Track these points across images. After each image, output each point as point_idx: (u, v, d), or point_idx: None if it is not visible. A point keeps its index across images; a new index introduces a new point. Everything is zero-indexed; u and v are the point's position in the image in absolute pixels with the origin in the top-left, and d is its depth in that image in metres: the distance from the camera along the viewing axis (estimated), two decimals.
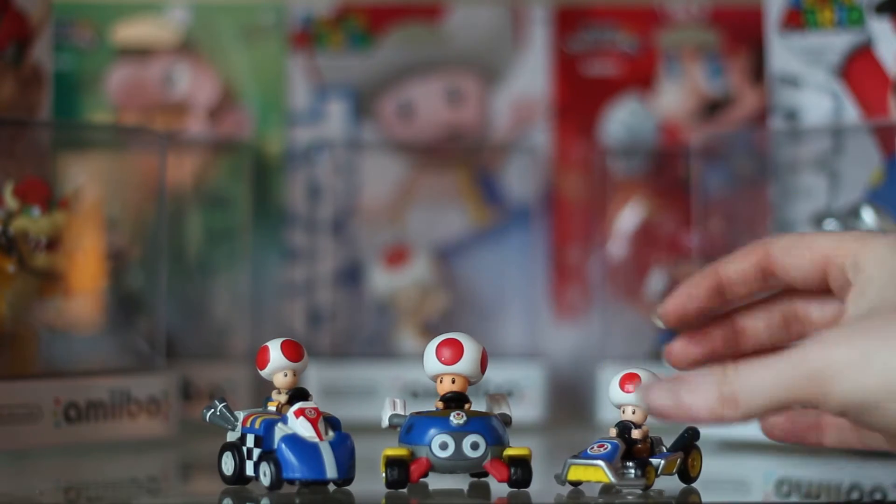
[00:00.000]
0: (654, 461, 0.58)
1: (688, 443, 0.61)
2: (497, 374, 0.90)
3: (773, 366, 0.52)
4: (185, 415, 0.86)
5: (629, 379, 0.59)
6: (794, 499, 0.62)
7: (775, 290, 0.58)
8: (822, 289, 0.57)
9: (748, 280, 0.57)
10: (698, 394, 0.53)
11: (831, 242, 0.56)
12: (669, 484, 0.60)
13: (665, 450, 0.60)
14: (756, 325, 0.58)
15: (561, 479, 0.58)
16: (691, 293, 0.58)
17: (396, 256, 0.99)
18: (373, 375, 0.92)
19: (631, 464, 0.58)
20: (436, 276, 0.99)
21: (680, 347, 0.59)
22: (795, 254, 0.56)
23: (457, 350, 0.59)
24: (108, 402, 0.78)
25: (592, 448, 0.58)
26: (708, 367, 0.54)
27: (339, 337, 1.01)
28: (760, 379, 0.52)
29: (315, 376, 0.92)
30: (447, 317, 1.00)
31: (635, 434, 0.59)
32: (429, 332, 0.99)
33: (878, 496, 0.61)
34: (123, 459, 0.76)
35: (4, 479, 0.69)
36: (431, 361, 0.59)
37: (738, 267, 0.57)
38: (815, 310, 0.58)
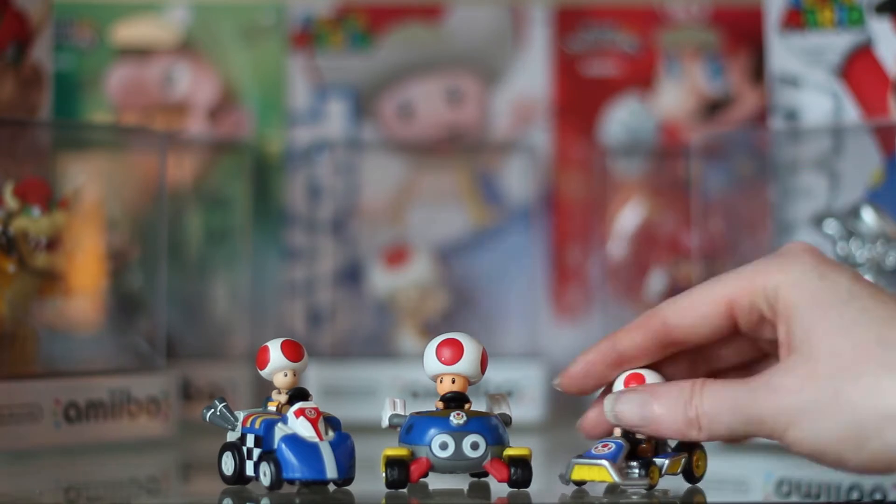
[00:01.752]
0: (658, 461, 0.58)
1: (692, 442, 0.61)
2: (497, 374, 0.90)
3: (735, 398, 0.52)
4: (185, 415, 0.86)
5: (634, 379, 0.59)
6: (794, 499, 0.62)
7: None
8: (730, 336, 0.56)
9: (648, 352, 0.57)
10: (666, 410, 0.54)
11: (729, 286, 0.55)
12: (674, 484, 0.60)
13: (669, 450, 0.60)
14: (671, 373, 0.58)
15: (565, 479, 0.58)
16: (588, 367, 0.58)
17: (396, 256, 0.99)
18: (373, 375, 0.92)
19: (635, 463, 0.58)
20: (436, 276, 0.99)
21: (594, 418, 0.59)
22: (694, 314, 0.55)
23: (457, 350, 0.59)
24: (108, 402, 0.78)
25: (596, 448, 0.58)
26: (679, 382, 0.54)
27: (339, 337, 1.01)
28: (722, 408, 0.53)
29: (315, 376, 0.92)
30: (447, 317, 1.00)
31: (639, 434, 0.59)
32: (429, 332, 0.99)
33: (878, 496, 0.61)
34: (123, 459, 0.76)
35: (4, 479, 0.69)
36: (431, 361, 0.59)
37: (634, 341, 0.57)
38: (730, 356, 0.58)
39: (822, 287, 0.52)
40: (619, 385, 0.59)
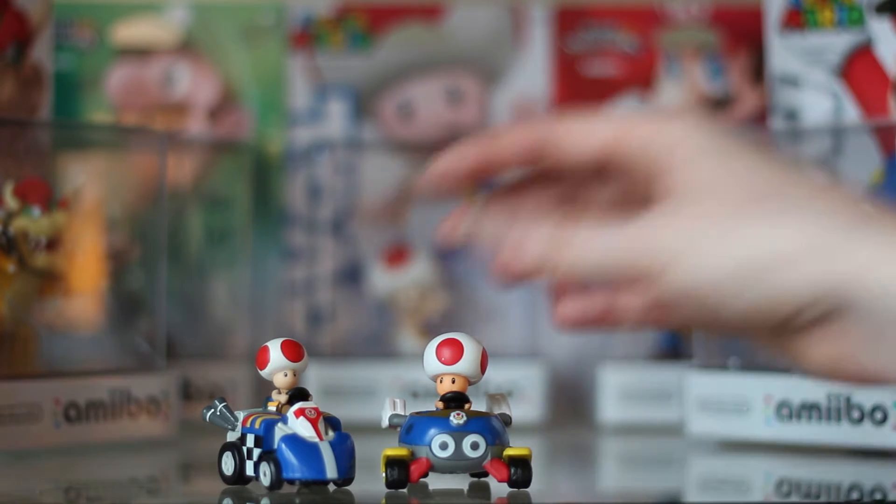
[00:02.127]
0: None
1: None
2: (497, 374, 0.90)
3: (612, 232, 0.50)
4: (185, 415, 0.86)
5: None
6: (794, 499, 0.62)
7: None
8: (596, 175, 0.54)
9: (522, 155, 0.55)
10: (531, 238, 0.52)
11: (622, 127, 0.52)
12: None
13: None
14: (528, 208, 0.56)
15: None
16: (460, 164, 0.57)
17: (396, 256, 0.99)
18: (373, 375, 0.92)
19: None
20: (436, 276, 0.99)
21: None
22: (580, 140, 0.53)
23: (457, 350, 0.59)
24: (108, 402, 0.78)
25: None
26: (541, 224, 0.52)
27: (339, 337, 1.01)
28: (596, 241, 0.50)
29: (315, 376, 0.92)
30: (447, 317, 1.00)
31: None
32: (429, 332, 0.99)
33: (878, 496, 0.61)
34: (123, 459, 0.76)
35: (4, 479, 0.69)
36: (431, 361, 0.59)
37: (514, 144, 0.55)
38: (598, 194, 0.55)
39: (718, 141, 0.50)
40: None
